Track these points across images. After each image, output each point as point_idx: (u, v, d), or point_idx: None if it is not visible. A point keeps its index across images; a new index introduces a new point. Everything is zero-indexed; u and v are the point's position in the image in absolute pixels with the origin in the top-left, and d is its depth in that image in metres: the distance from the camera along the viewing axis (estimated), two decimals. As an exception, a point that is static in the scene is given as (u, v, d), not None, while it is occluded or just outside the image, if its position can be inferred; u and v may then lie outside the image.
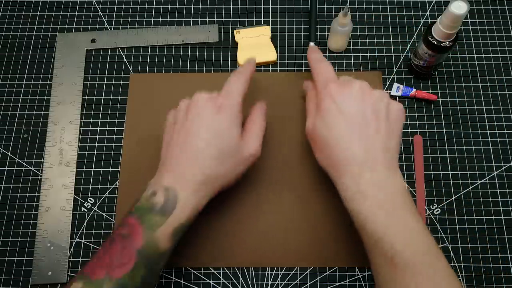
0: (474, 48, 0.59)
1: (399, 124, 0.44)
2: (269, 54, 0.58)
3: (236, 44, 0.59)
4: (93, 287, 0.37)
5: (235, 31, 0.59)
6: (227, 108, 0.44)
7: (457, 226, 0.51)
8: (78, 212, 0.52)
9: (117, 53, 0.60)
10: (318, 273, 0.49)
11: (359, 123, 0.42)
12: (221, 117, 0.43)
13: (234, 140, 0.43)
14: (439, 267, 0.38)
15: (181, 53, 0.60)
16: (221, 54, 0.59)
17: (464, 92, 0.57)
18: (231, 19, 0.61)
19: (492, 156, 0.54)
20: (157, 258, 0.39)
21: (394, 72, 0.58)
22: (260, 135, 0.46)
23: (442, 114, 0.56)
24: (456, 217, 0.51)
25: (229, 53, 0.59)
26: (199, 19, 0.62)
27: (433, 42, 0.50)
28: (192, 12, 0.62)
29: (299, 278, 0.49)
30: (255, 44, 0.59)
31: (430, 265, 0.37)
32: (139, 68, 0.59)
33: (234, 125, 0.44)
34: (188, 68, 0.59)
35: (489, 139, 0.55)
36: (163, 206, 0.40)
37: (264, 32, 0.59)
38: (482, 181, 0.53)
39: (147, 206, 0.40)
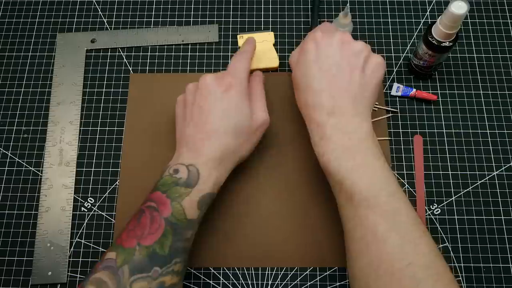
0: (474, 48, 0.59)
1: (376, 76, 0.45)
2: (272, 60, 0.58)
3: (238, 47, 0.59)
4: (126, 254, 0.39)
5: (238, 36, 0.59)
6: (235, 85, 0.46)
7: (457, 226, 0.51)
8: (78, 212, 0.52)
9: (117, 53, 0.60)
10: (318, 273, 0.49)
11: (332, 72, 0.44)
12: (231, 95, 0.46)
13: (245, 115, 0.46)
14: (397, 205, 0.39)
15: (181, 53, 0.60)
16: (221, 54, 0.59)
17: (464, 92, 0.57)
18: (231, 19, 0.61)
19: (492, 156, 0.54)
20: (185, 226, 0.41)
21: (394, 72, 0.58)
22: (264, 103, 0.49)
23: (442, 114, 0.56)
24: (456, 217, 0.51)
25: (229, 53, 0.59)
26: (199, 19, 0.62)
27: (433, 42, 0.50)
28: (192, 12, 0.62)
29: (299, 278, 0.49)
30: (257, 49, 0.58)
31: (387, 203, 0.39)
32: (139, 68, 0.59)
33: (243, 101, 0.46)
34: (188, 68, 0.59)
35: (489, 139, 0.55)
36: (187, 180, 0.42)
37: (267, 38, 0.59)
38: (482, 181, 0.53)
39: (171, 181, 0.43)
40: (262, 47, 0.59)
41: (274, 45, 0.59)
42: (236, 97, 0.46)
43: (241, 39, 0.59)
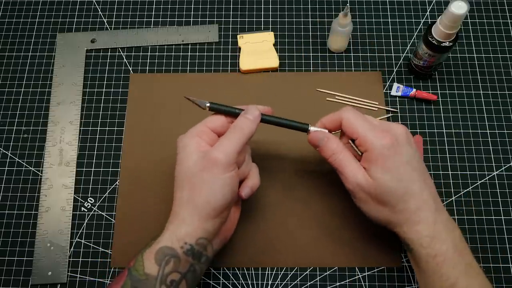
0: (474, 48, 0.59)
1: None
2: (271, 60, 0.58)
3: (238, 47, 0.60)
4: None
5: (238, 36, 0.60)
6: (179, 142, 0.43)
7: (457, 226, 0.51)
8: (78, 212, 0.52)
9: (117, 53, 0.60)
10: (318, 273, 0.49)
11: (419, 167, 0.42)
12: (177, 153, 0.43)
13: (187, 163, 0.42)
14: None
15: (181, 53, 0.60)
16: (221, 54, 0.59)
17: (464, 92, 0.57)
18: (231, 19, 0.61)
19: (492, 156, 0.54)
20: (144, 281, 0.39)
21: (394, 72, 0.58)
22: (230, 144, 0.42)
23: (442, 114, 0.56)
24: (456, 217, 0.51)
25: (229, 53, 0.59)
26: (199, 19, 0.62)
27: (433, 42, 0.50)
28: (192, 12, 0.62)
29: (299, 278, 0.49)
30: (257, 49, 0.59)
31: None
32: (139, 68, 0.59)
33: (185, 150, 0.42)
34: (188, 68, 0.59)
35: (489, 139, 0.55)
36: (157, 234, 0.41)
37: (267, 38, 0.59)
38: (482, 181, 0.53)
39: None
40: (262, 47, 0.59)
41: (274, 45, 0.59)
42: (179, 148, 0.43)
43: (241, 39, 0.59)
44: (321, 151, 0.45)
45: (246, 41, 0.59)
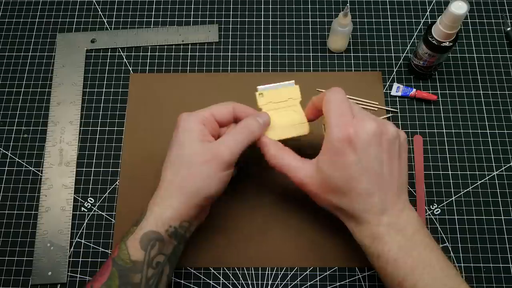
0: (474, 48, 0.59)
1: (406, 154, 0.44)
2: (301, 126, 0.47)
3: (258, 109, 0.48)
4: None
5: (257, 93, 0.47)
6: (182, 122, 0.44)
7: (457, 226, 0.51)
8: (78, 212, 0.52)
9: (117, 53, 0.60)
10: (318, 273, 0.49)
11: (376, 170, 0.40)
12: (177, 132, 0.44)
13: (188, 150, 0.42)
14: None
15: (181, 53, 0.60)
16: (221, 54, 0.59)
17: (464, 92, 0.57)
18: (231, 19, 0.61)
19: (492, 156, 0.54)
20: (131, 268, 0.39)
21: (394, 72, 0.58)
22: (235, 141, 0.43)
23: (442, 114, 0.56)
24: (456, 217, 0.51)
25: (229, 53, 0.59)
26: (199, 19, 0.62)
27: (433, 42, 0.50)
28: (192, 12, 0.62)
29: (299, 278, 0.49)
30: (283, 115, 0.47)
31: None
32: (139, 68, 0.59)
33: (188, 134, 0.43)
34: (188, 68, 0.59)
35: (489, 139, 0.55)
36: (139, 217, 0.42)
37: (293, 95, 0.47)
38: (482, 181, 0.53)
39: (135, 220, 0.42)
40: (288, 111, 0.47)
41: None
42: (180, 133, 0.43)
43: (261, 97, 0.47)
44: (264, 156, 0.46)
45: (268, 100, 0.47)
